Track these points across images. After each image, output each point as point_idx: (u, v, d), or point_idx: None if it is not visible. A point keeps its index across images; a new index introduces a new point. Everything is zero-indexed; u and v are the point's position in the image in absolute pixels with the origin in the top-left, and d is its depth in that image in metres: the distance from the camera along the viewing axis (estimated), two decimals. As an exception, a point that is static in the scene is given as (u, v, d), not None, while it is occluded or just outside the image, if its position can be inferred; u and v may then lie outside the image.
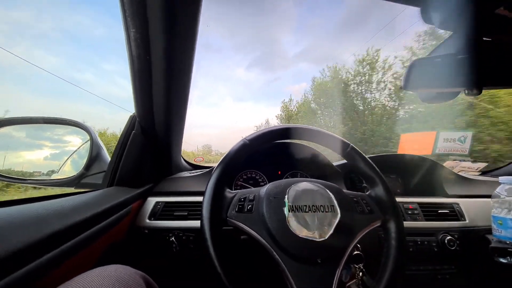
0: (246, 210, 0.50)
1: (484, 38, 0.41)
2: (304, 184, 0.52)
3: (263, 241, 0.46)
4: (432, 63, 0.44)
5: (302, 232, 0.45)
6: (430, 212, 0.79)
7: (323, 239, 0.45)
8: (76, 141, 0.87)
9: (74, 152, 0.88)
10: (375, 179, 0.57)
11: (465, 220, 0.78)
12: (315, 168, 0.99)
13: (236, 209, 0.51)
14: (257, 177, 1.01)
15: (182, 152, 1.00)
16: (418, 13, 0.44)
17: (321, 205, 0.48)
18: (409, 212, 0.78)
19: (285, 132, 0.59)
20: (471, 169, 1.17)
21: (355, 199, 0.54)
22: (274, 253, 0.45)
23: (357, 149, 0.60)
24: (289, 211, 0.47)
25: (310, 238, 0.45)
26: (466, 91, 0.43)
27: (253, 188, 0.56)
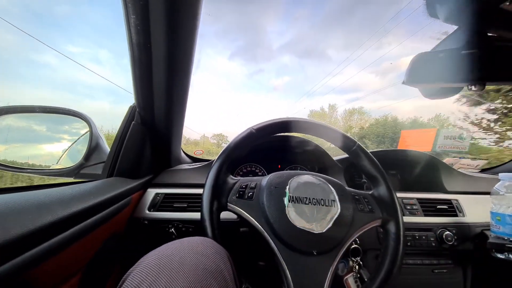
0: (246, 197, 0.50)
1: (488, 34, 0.41)
2: (307, 177, 0.52)
3: (261, 228, 0.46)
4: (436, 57, 0.44)
5: (300, 223, 0.45)
6: (429, 207, 0.80)
7: (320, 231, 0.45)
8: (75, 131, 0.86)
9: (74, 142, 0.87)
10: (379, 179, 0.57)
11: (463, 216, 0.79)
12: (315, 162, 0.99)
13: (237, 195, 0.51)
14: (257, 171, 1.01)
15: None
16: (424, 7, 0.43)
17: (321, 199, 0.48)
18: (408, 208, 0.78)
19: (292, 125, 0.58)
20: (470, 166, 1.17)
21: (356, 196, 0.54)
22: (271, 241, 0.45)
23: (363, 147, 0.59)
24: (289, 201, 0.47)
25: (308, 230, 0.45)
26: (469, 86, 0.44)
27: (255, 177, 0.56)
